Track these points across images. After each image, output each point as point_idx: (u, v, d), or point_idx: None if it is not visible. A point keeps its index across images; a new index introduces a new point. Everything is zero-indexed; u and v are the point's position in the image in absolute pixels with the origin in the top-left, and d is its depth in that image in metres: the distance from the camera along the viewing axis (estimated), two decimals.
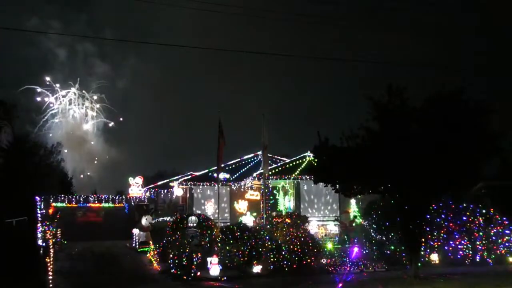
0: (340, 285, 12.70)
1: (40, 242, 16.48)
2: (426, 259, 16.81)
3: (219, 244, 15.92)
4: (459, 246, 17.51)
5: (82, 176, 54.19)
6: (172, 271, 14.78)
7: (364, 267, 15.96)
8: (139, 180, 33.16)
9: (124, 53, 66.29)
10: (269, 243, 16.06)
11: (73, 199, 29.63)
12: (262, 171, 21.89)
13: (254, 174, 26.46)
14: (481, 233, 17.62)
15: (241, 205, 26.80)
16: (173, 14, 65.96)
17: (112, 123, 57.47)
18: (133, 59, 66.85)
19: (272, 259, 15.61)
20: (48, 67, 58.55)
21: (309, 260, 15.81)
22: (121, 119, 57.38)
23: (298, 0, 60.27)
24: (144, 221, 21.08)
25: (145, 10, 73.24)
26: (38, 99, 54.57)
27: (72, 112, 57.76)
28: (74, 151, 55.40)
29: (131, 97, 67.63)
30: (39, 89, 54.48)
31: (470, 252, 17.38)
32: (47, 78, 55.17)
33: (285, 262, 15.60)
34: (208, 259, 15.02)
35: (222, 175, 25.49)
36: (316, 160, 15.85)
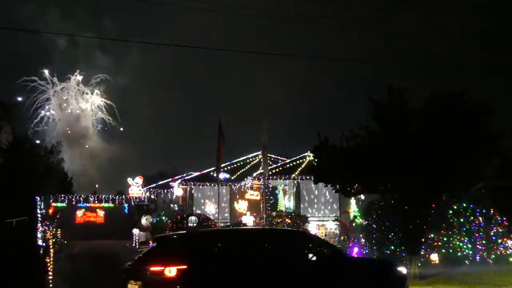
0: None
1: (40, 242, 16.47)
2: (426, 259, 16.81)
3: None
4: (459, 246, 17.51)
5: (81, 174, 54.13)
6: None
7: None
8: (139, 180, 33.22)
9: (125, 48, 66.04)
10: None
11: (73, 199, 29.65)
12: (262, 171, 21.91)
13: (254, 174, 26.49)
14: (481, 233, 17.61)
15: (241, 205, 26.83)
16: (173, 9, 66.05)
17: (112, 120, 57.26)
18: (133, 55, 66.67)
19: None
20: (46, 59, 58.13)
21: None
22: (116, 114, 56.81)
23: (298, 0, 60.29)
24: (144, 221, 21.12)
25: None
26: (36, 93, 54.22)
27: (71, 107, 57.34)
28: (74, 148, 55.22)
29: (131, 97, 67.68)
30: (36, 83, 53.97)
31: (470, 252, 17.36)
32: (46, 72, 54.71)
33: None
34: None
35: (222, 175, 25.52)
36: (316, 160, 15.84)
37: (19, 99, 51.42)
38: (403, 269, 8.86)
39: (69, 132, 55.59)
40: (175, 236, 8.50)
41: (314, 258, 8.18)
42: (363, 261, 9.91)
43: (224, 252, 7.72)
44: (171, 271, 6.99)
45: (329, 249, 8.74)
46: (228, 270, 7.31)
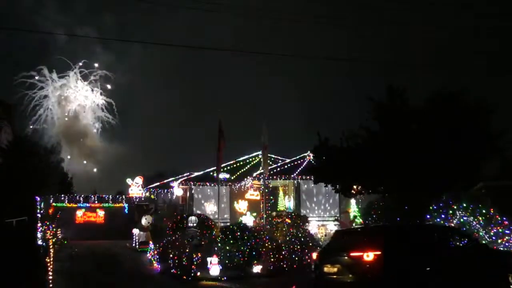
0: None
1: (40, 242, 16.49)
2: None
3: (219, 244, 15.92)
4: None
5: (82, 174, 53.96)
6: (172, 271, 14.79)
7: None
8: (139, 180, 33.16)
9: (125, 46, 65.91)
10: (269, 243, 16.06)
11: (73, 199, 29.64)
12: (262, 171, 21.90)
13: (254, 174, 26.47)
14: (481, 233, 17.61)
15: (241, 205, 26.81)
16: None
17: (111, 119, 57.12)
18: (134, 54, 66.54)
19: (272, 259, 15.60)
20: (45, 55, 57.65)
21: (309, 260, 15.79)
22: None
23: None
24: (144, 221, 21.11)
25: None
26: (35, 90, 53.91)
27: (70, 105, 57.02)
28: (73, 147, 55.04)
29: (131, 96, 67.66)
30: (35, 79, 53.59)
31: None
32: (44, 68, 54.42)
33: (285, 262, 15.59)
34: (208, 259, 15.02)
35: (222, 175, 25.49)
36: (316, 160, 15.85)
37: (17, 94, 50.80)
38: None
39: (68, 130, 55.46)
40: (358, 229, 11.25)
41: (468, 248, 10.10)
42: (493, 250, 12.10)
43: (407, 243, 9.33)
44: (369, 256, 8.76)
45: (475, 240, 11.37)
46: (411, 257, 8.99)
